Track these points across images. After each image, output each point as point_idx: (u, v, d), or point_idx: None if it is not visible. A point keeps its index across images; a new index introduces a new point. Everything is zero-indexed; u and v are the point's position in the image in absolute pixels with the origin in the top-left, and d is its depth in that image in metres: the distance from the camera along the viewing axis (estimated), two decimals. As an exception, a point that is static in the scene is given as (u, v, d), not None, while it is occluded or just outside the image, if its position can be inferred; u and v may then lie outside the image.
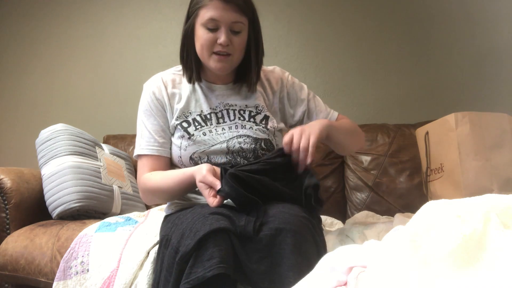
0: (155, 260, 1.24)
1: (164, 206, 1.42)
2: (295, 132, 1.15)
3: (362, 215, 1.66)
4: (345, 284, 0.78)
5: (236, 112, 1.29)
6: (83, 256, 1.34)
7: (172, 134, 1.29)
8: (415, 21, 2.37)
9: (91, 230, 1.42)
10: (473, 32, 2.32)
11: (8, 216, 1.60)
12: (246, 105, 1.30)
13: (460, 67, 2.33)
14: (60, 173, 1.66)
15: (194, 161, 1.25)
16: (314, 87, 2.36)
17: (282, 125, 1.35)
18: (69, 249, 1.37)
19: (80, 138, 1.83)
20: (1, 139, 2.54)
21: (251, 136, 1.25)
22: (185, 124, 1.27)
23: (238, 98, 1.31)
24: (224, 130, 1.26)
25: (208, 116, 1.28)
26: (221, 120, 1.28)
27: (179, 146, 1.26)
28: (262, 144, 1.25)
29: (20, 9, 2.55)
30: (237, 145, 1.24)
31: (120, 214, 1.75)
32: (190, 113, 1.28)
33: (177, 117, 1.28)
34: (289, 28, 2.43)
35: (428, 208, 0.74)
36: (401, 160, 1.99)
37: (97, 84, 2.50)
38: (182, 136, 1.25)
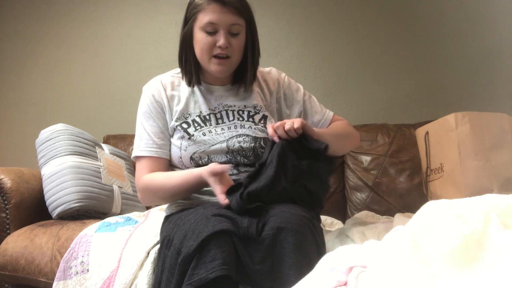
0: (155, 260, 1.24)
1: (164, 207, 1.42)
2: (276, 123, 1.18)
3: (362, 215, 1.66)
4: (345, 284, 0.78)
5: (235, 112, 1.30)
6: (83, 256, 1.34)
7: (172, 136, 1.30)
8: (415, 22, 2.37)
9: (91, 230, 1.42)
10: (473, 32, 2.32)
11: (8, 216, 1.60)
12: (244, 105, 1.32)
13: (460, 67, 2.33)
14: (60, 173, 1.66)
15: (194, 161, 1.25)
16: (314, 87, 2.37)
17: None
18: (69, 249, 1.37)
19: (80, 138, 1.83)
20: (1, 139, 2.54)
21: (250, 135, 1.26)
22: (184, 125, 1.27)
23: (237, 99, 1.33)
24: (224, 130, 1.27)
25: (207, 117, 1.29)
26: (220, 121, 1.29)
27: (179, 147, 1.26)
28: (262, 142, 1.26)
29: (21, 10, 2.55)
30: (237, 144, 1.25)
31: (120, 214, 1.75)
32: (190, 114, 1.29)
33: (177, 118, 1.29)
34: (289, 28, 2.43)
35: (428, 208, 0.75)
36: (401, 160, 1.99)
37: (97, 84, 2.50)
38: (182, 137, 1.26)
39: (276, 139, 1.15)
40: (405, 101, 2.36)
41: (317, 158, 1.17)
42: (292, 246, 0.97)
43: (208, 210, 1.07)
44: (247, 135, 1.26)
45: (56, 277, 1.34)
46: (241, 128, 1.27)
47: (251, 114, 1.31)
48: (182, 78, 1.32)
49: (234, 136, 1.26)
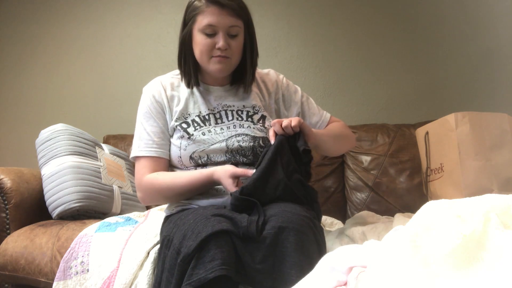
0: (155, 260, 1.24)
1: (164, 207, 1.42)
2: (274, 120, 1.22)
3: (362, 215, 1.66)
4: (345, 284, 0.78)
5: (234, 112, 1.32)
6: (83, 256, 1.34)
7: (171, 136, 1.31)
8: (415, 22, 2.37)
9: (91, 230, 1.42)
10: (473, 32, 2.32)
11: (8, 216, 1.60)
12: (243, 106, 1.33)
13: (460, 67, 2.33)
14: (60, 173, 1.66)
15: (194, 160, 1.26)
16: (314, 87, 2.37)
17: None
18: (69, 249, 1.37)
19: (80, 138, 1.83)
20: (1, 139, 2.54)
21: (249, 135, 1.28)
22: (184, 125, 1.28)
23: (236, 99, 1.34)
24: (223, 129, 1.28)
25: (207, 117, 1.30)
26: (219, 121, 1.30)
27: (179, 146, 1.27)
28: (260, 141, 1.28)
29: (21, 10, 2.55)
30: (236, 144, 1.26)
31: (120, 214, 1.75)
32: (189, 114, 1.30)
33: (177, 118, 1.30)
34: (289, 28, 2.43)
35: (428, 208, 0.75)
36: (401, 160, 1.99)
37: (97, 84, 2.50)
38: (182, 137, 1.27)
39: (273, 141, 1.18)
40: (405, 101, 2.36)
41: (300, 158, 1.19)
42: (294, 246, 0.98)
43: (207, 210, 1.08)
44: (246, 135, 1.27)
45: (56, 277, 1.34)
46: (240, 127, 1.28)
47: (250, 114, 1.32)
48: (181, 79, 1.34)
49: (233, 136, 1.27)
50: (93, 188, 1.69)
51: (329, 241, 1.26)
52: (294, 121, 1.17)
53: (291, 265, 0.97)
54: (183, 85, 1.34)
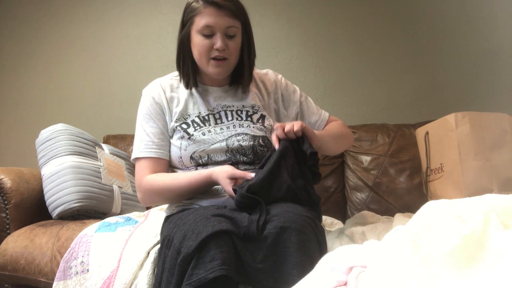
0: (155, 260, 1.24)
1: (164, 207, 1.42)
2: (276, 124, 1.22)
3: (362, 215, 1.66)
4: (345, 284, 0.78)
5: (234, 112, 1.32)
6: (83, 256, 1.34)
7: (171, 137, 1.31)
8: (415, 22, 2.37)
9: (91, 230, 1.42)
10: (473, 32, 2.32)
11: (8, 216, 1.60)
12: (243, 106, 1.34)
13: (460, 67, 2.33)
14: (60, 173, 1.66)
15: (194, 160, 1.26)
16: (314, 87, 2.37)
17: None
18: (69, 249, 1.37)
19: (80, 138, 1.83)
20: (1, 139, 2.54)
21: (249, 134, 1.28)
22: (184, 126, 1.29)
23: (235, 100, 1.35)
24: (223, 129, 1.28)
25: (206, 117, 1.30)
26: (219, 121, 1.30)
27: (179, 147, 1.27)
28: (260, 141, 1.28)
29: (21, 10, 2.55)
30: (236, 143, 1.26)
31: (120, 214, 1.75)
32: (189, 115, 1.31)
33: (176, 119, 1.30)
34: (289, 28, 2.43)
35: (428, 208, 0.75)
36: (401, 160, 1.99)
37: (97, 84, 2.50)
38: (182, 137, 1.27)
39: (277, 146, 1.18)
40: (405, 101, 2.36)
41: (305, 161, 1.20)
42: (296, 246, 0.98)
43: (208, 210, 1.08)
44: (246, 134, 1.28)
45: (56, 277, 1.34)
46: (239, 127, 1.29)
47: (249, 113, 1.33)
48: (180, 80, 1.34)
49: (233, 135, 1.27)
50: (93, 188, 1.69)
51: (329, 241, 1.26)
52: (296, 125, 1.17)
53: (292, 265, 0.97)
54: (182, 86, 1.34)
